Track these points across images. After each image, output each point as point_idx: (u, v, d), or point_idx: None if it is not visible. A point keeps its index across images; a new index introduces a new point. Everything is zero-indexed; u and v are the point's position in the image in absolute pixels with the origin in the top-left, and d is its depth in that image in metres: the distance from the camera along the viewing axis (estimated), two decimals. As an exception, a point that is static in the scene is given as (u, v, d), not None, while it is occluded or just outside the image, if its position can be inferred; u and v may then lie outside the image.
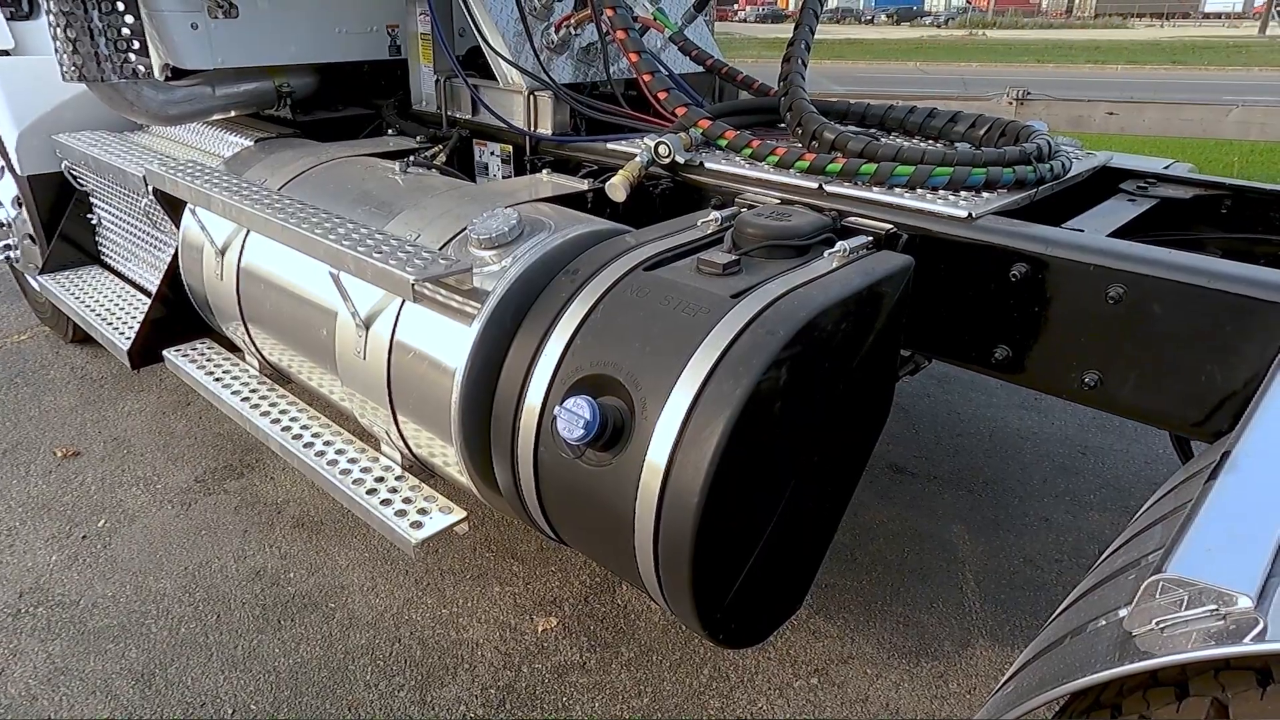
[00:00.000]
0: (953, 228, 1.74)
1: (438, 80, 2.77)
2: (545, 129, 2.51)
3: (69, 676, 2.16)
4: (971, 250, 1.72)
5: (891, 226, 1.77)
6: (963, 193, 1.87)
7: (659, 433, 1.41)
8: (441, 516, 1.86)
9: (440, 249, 1.86)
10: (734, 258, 1.61)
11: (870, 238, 1.72)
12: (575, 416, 1.44)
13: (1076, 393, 1.65)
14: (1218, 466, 0.98)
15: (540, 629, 2.35)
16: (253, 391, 2.38)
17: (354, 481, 1.97)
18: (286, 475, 3.01)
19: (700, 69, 2.80)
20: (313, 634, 2.32)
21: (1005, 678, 1.18)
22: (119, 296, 3.23)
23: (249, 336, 2.42)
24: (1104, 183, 2.25)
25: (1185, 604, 0.80)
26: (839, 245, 1.64)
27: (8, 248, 3.86)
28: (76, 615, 2.37)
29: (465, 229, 1.88)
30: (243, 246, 2.33)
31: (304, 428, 2.18)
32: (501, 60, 2.51)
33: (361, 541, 2.68)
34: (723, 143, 2.07)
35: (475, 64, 2.78)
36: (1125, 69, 23.08)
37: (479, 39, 2.57)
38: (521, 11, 2.52)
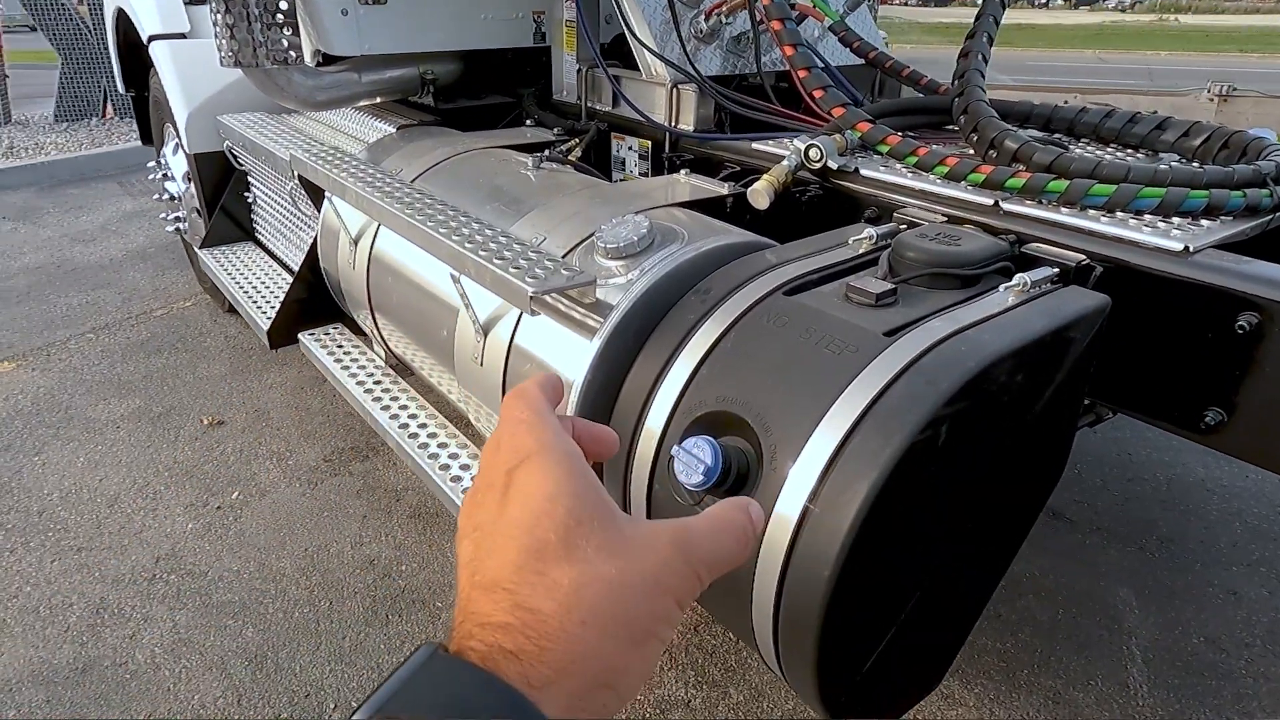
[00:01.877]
0: (1163, 262, 1.45)
1: (579, 70, 2.66)
2: (687, 124, 2.35)
3: (190, 649, 2.23)
4: (1186, 291, 1.43)
5: (1083, 258, 1.50)
6: (1174, 219, 1.57)
7: (790, 487, 1.23)
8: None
9: (565, 255, 1.75)
10: (890, 286, 1.40)
11: (1056, 269, 1.46)
12: (694, 460, 1.28)
13: (1313, 475, 1.34)
14: None
15: (646, 656, 2.22)
16: (376, 383, 2.37)
17: (465, 491, 1.90)
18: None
19: (861, 62, 2.55)
20: (418, 633, 2.29)
21: None
22: (266, 274, 3.34)
23: (376, 326, 2.41)
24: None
25: None
26: (1018, 278, 1.40)
27: (178, 219, 4.10)
28: (204, 586, 2.45)
29: (593, 234, 1.76)
30: (375, 236, 2.31)
31: (421, 426, 2.13)
32: (645, 50, 2.36)
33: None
34: (884, 148, 1.84)
35: (620, 53, 2.65)
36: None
37: (624, 26, 2.43)
38: (670, -2, 2.36)
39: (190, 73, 3.41)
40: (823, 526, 1.18)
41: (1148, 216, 1.57)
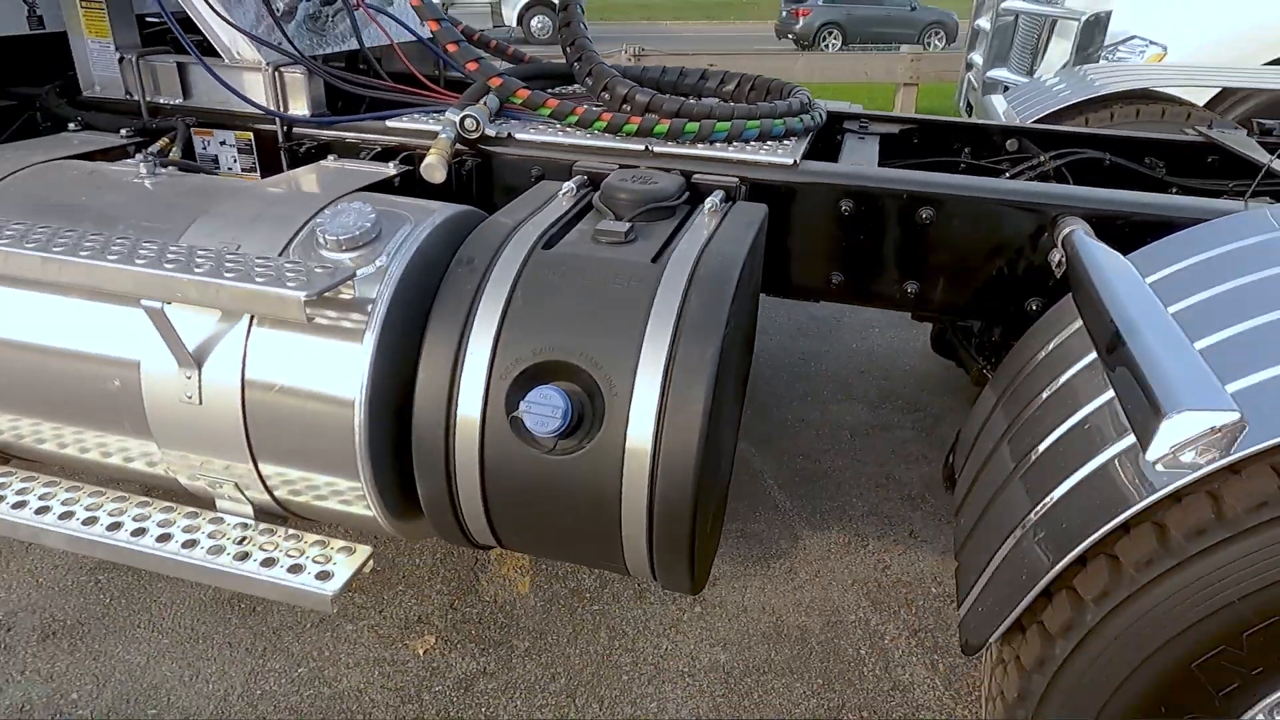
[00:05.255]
0: (784, 174, 1.95)
1: (122, 58, 2.26)
2: (300, 110, 2.20)
3: None
4: (802, 192, 1.94)
5: (736, 180, 1.92)
6: (768, 143, 2.08)
7: (637, 408, 1.41)
8: (345, 558, 1.63)
9: (278, 257, 1.59)
10: (628, 224, 1.63)
11: (723, 191, 1.85)
12: (548, 409, 1.38)
13: (901, 302, 1.98)
14: (1115, 342, 1.27)
15: (421, 651, 2.18)
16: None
17: (218, 553, 1.62)
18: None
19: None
20: (148, 753, 1.88)
21: (981, 575, 1.41)
22: None
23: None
24: (831, 126, 2.64)
25: (1190, 431, 1.07)
26: (708, 202, 1.74)
27: None
28: None
29: (299, 231, 1.63)
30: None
31: (110, 514, 1.71)
32: (231, 28, 2.12)
33: (146, 630, 2.20)
34: (545, 111, 2.03)
35: (164, 40, 2.34)
36: (673, 24, 26.01)
37: (186, 6, 2.14)
38: (238, -27, 2.15)
39: None
40: (677, 434, 1.39)
41: (752, 144, 2.05)
